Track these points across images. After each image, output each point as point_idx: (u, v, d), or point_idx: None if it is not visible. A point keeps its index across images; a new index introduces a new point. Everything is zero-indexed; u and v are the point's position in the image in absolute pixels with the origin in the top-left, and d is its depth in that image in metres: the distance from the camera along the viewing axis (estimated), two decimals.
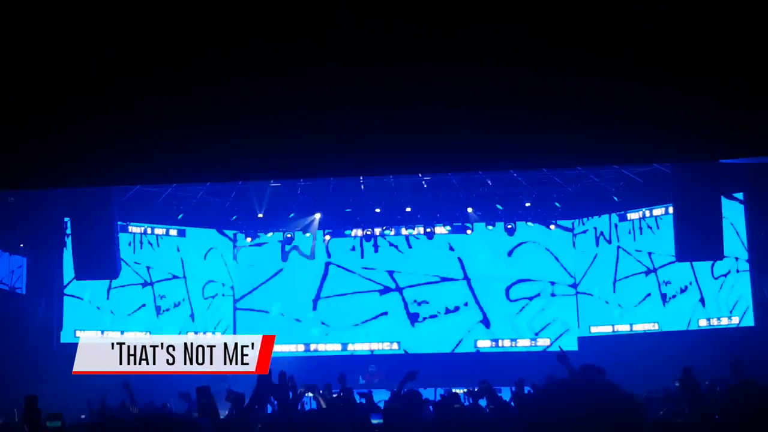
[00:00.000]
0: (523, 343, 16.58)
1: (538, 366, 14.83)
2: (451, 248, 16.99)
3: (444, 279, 16.98)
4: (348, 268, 17.14)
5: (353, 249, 17.18)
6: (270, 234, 17.01)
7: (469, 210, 16.15)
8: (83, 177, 6.60)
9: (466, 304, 16.83)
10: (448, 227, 16.85)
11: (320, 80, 4.52)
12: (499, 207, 15.99)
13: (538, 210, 16.18)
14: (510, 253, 16.80)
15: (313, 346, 16.91)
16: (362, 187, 15.85)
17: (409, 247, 17.11)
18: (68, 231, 14.18)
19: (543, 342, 16.49)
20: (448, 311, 16.87)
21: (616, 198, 15.40)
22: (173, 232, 16.46)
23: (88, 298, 15.24)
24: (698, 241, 12.37)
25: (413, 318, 16.90)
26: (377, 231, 16.93)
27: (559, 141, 5.56)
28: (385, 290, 17.04)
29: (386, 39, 4.03)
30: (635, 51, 4.58)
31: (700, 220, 12.20)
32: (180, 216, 15.98)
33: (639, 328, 15.58)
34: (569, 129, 5.32)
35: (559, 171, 14.95)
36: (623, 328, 15.79)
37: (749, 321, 14.01)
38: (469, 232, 16.71)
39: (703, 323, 14.72)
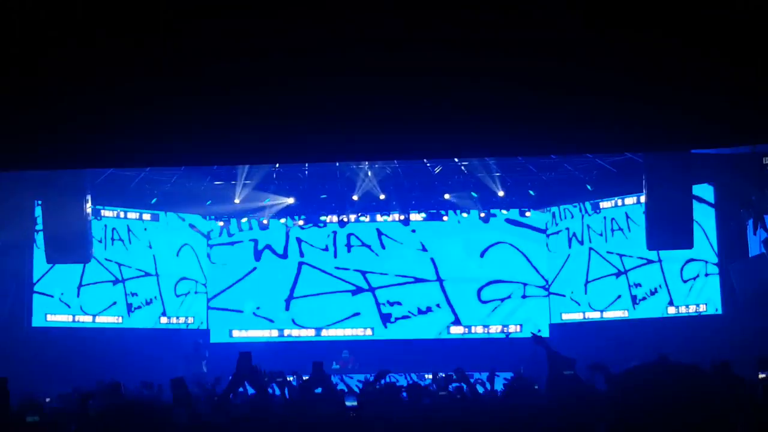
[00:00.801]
0: (495, 330, 16.73)
1: (510, 352, 15.07)
2: (425, 249, 17.02)
3: (417, 280, 17.01)
4: (321, 268, 17.09)
5: (326, 249, 17.12)
6: (244, 220, 16.91)
7: (447, 196, 16.18)
8: (62, 159, 6.54)
9: (438, 306, 16.89)
10: (423, 214, 16.90)
11: (308, 69, 4.52)
12: (474, 194, 16.09)
13: (513, 198, 16.30)
14: (483, 254, 16.87)
15: (286, 332, 16.90)
16: (338, 174, 15.84)
17: (383, 247, 17.10)
18: (39, 216, 13.99)
19: (514, 329, 16.65)
20: (420, 312, 16.92)
21: (589, 187, 15.59)
22: (146, 216, 16.28)
23: (57, 295, 15.00)
24: (669, 230, 12.58)
25: (385, 318, 16.93)
26: (352, 218, 16.92)
27: (535, 130, 5.64)
28: (358, 290, 17.04)
29: (384, 30, 4.05)
30: (603, 44, 4.64)
31: (671, 209, 12.41)
32: (154, 200, 15.83)
33: (609, 315, 15.80)
34: (544, 118, 5.39)
35: (533, 159, 15.08)
36: (594, 315, 15.99)
37: (716, 310, 14.28)
38: (445, 218, 16.78)
39: (672, 311, 14.99)
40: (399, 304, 16.94)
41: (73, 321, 15.18)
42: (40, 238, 14.06)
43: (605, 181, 15.42)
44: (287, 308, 16.96)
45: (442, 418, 4.86)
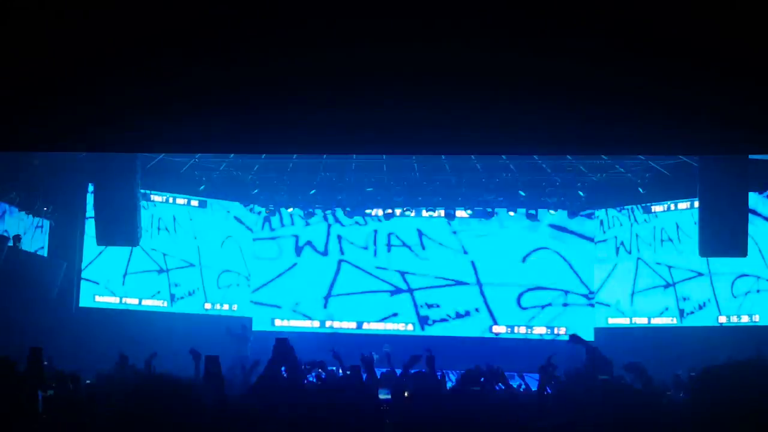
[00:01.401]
0: (539, 331, 16.48)
1: (556, 352, 14.80)
2: (465, 251, 16.84)
3: (457, 283, 16.85)
4: (360, 267, 17.06)
5: (366, 248, 17.07)
6: (290, 209, 16.98)
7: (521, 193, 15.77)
8: (111, 143, 6.64)
9: (477, 310, 16.71)
10: (470, 211, 16.72)
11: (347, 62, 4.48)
12: (521, 193, 15.84)
13: (561, 198, 15.99)
14: (524, 259, 16.63)
15: (328, 323, 16.94)
16: (385, 167, 15.78)
17: (423, 248, 16.98)
18: (91, 199, 14.29)
19: (560, 331, 16.39)
20: (458, 315, 16.77)
21: (641, 189, 15.20)
22: (194, 202, 16.50)
23: (103, 283, 15.34)
24: (722, 236, 12.19)
25: (423, 321, 16.83)
26: (398, 211, 16.84)
27: (586, 130, 5.50)
28: (396, 291, 16.96)
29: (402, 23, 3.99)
30: (666, 44, 4.49)
31: (726, 215, 12.02)
32: (202, 187, 16.02)
33: (657, 321, 15.43)
34: (598, 118, 5.26)
35: (583, 160, 14.79)
36: (641, 321, 15.63)
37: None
38: (492, 215, 16.54)
39: (722, 320, 14.55)
40: (437, 306, 16.81)
41: (120, 303, 15.49)
42: (89, 225, 14.35)
43: (658, 185, 15.03)
44: (325, 306, 16.99)
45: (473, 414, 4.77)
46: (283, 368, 5.77)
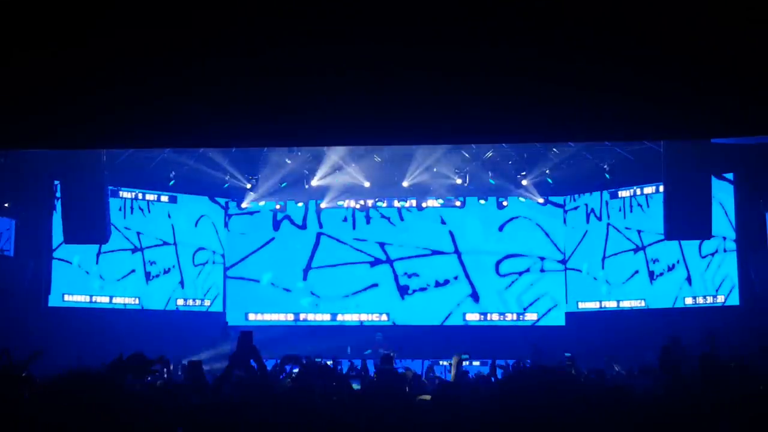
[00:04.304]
0: (511, 317, 16.68)
1: (524, 341, 15.04)
2: (443, 221, 17.01)
3: (435, 252, 17.00)
4: (339, 239, 17.13)
5: (345, 220, 17.16)
6: (262, 203, 16.92)
7: (458, 181, 15.98)
8: (79, 139, 6.57)
9: (456, 278, 16.88)
10: (440, 200, 16.84)
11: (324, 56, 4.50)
12: (491, 181, 15.99)
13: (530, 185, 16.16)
14: (501, 228, 16.83)
15: (302, 316, 16.96)
16: (355, 156, 15.80)
17: (401, 219, 17.10)
18: (58, 194, 14.09)
19: (530, 317, 16.61)
20: (438, 284, 16.91)
21: (607, 175, 15.44)
22: (164, 198, 16.38)
23: (77, 262, 15.20)
24: (687, 220, 12.43)
25: (403, 290, 16.95)
26: (369, 203, 16.90)
27: (553, 116, 5.58)
28: (376, 262, 17.06)
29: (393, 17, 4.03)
30: (632, 31, 4.58)
31: (690, 199, 12.25)
32: (171, 183, 15.90)
33: (626, 304, 15.72)
34: (560, 104, 5.34)
35: (551, 147, 14.94)
36: (610, 305, 15.92)
37: (734, 300, 14.16)
38: (458, 203, 16.70)
39: (689, 301, 14.88)
40: (417, 275, 16.94)
41: (90, 302, 15.33)
42: (58, 216, 14.17)
43: (624, 170, 15.27)
44: (305, 278, 17.02)
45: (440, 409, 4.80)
46: (252, 361, 5.72)
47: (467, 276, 16.86)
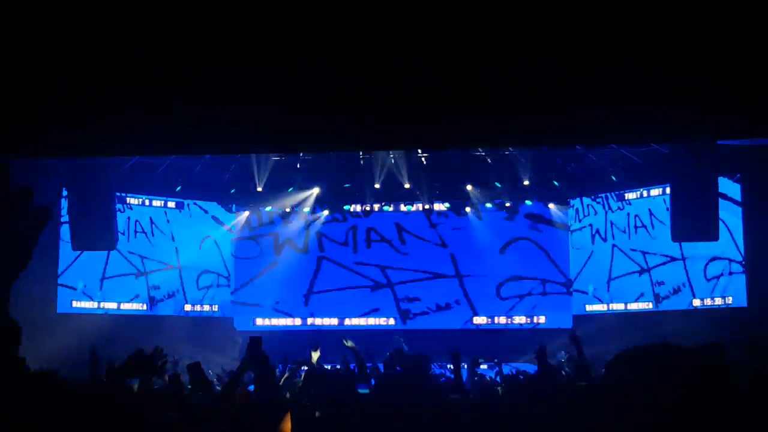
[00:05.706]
0: (520, 320, 16.62)
1: (534, 342, 14.94)
2: (444, 244, 16.93)
3: (436, 276, 16.95)
4: (340, 263, 17.08)
5: (346, 243, 17.09)
6: (269, 208, 16.93)
7: (469, 187, 16.07)
8: (86, 147, 6.62)
9: (457, 302, 16.83)
10: (447, 204, 16.83)
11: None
12: (497, 185, 15.98)
13: (536, 188, 16.15)
14: (503, 250, 16.75)
15: (309, 320, 16.96)
16: (362, 162, 15.82)
17: (403, 243, 17.04)
18: (63, 204, 14.12)
19: (539, 320, 16.56)
20: (439, 308, 16.87)
21: (614, 177, 15.42)
22: (171, 204, 16.38)
23: (81, 288, 15.16)
24: (694, 221, 12.41)
25: (404, 315, 16.91)
26: (376, 207, 16.89)
27: (561, 121, 5.59)
28: (377, 286, 17.02)
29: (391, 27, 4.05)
30: (640, 32, 4.59)
31: (697, 200, 12.24)
32: (178, 188, 15.93)
33: (634, 307, 15.64)
34: (569, 109, 5.35)
35: (557, 151, 14.94)
36: (618, 307, 15.83)
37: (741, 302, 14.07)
38: (468, 210, 16.69)
39: (696, 303, 14.80)
40: (418, 300, 16.90)
41: (98, 308, 15.34)
42: (65, 230, 14.17)
43: (631, 173, 15.24)
44: (306, 303, 16.99)
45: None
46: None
47: (468, 299, 16.78)
